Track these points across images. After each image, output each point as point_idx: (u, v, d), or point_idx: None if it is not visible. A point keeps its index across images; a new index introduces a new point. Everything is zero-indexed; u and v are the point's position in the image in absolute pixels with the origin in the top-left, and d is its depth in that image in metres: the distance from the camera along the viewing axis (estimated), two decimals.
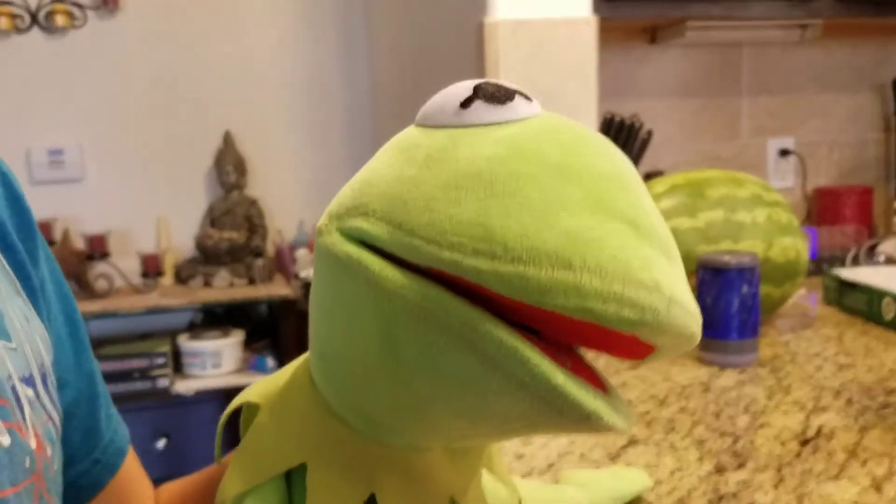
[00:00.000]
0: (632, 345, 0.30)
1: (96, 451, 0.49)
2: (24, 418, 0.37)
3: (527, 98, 0.33)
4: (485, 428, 0.32)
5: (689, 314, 0.29)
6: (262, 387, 0.38)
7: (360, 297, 0.30)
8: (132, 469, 0.52)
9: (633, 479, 0.64)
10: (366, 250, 0.30)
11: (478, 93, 0.32)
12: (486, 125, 0.32)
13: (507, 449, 0.74)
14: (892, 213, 1.90)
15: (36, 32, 2.16)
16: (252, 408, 0.38)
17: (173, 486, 0.55)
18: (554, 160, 0.30)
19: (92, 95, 2.21)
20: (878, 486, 0.64)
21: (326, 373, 0.34)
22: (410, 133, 0.33)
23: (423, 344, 0.29)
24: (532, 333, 0.29)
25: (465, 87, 0.32)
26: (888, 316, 1.10)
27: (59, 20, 2.15)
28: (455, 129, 0.32)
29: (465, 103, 0.32)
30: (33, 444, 0.37)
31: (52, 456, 0.40)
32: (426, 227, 0.28)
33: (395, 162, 0.32)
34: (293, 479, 0.36)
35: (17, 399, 0.37)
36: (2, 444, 0.34)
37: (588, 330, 0.28)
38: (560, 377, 0.28)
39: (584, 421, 0.29)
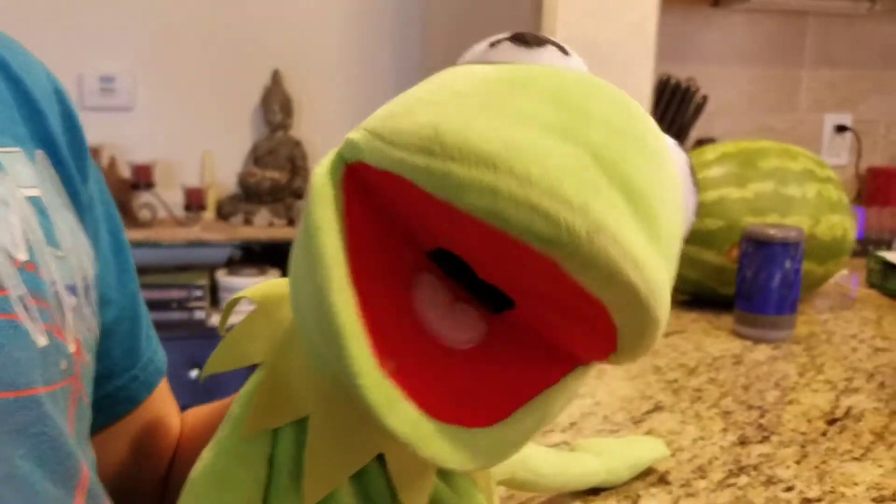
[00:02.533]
0: (591, 317, 0.28)
1: (135, 368, 0.50)
2: (63, 323, 0.38)
3: (563, 51, 0.32)
4: None
5: (626, 257, 0.26)
6: (266, 287, 0.39)
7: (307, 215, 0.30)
8: (165, 391, 0.54)
9: (651, 447, 0.62)
10: (332, 181, 0.29)
11: (511, 37, 0.32)
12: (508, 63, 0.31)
13: None
14: None
15: None
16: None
17: (198, 411, 0.56)
18: (545, 91, 0.28)
19: (146, 24, 2.22)
20: None
21: (297, 319, 0.34)
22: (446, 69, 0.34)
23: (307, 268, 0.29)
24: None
25: (503, 34, 0.32)
26: None
27: None
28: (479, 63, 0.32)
29: (495, 43, 0.32)
30: (72, 348, 0.38)
31: (90, 363, 0.41)
32: (390, 131, 0.28)
33: (415, 86, 0.32)
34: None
35: (60, 303, 0.38)
36: (37, 343, 0.35)
37: (538, 284, 0.27)
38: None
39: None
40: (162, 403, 0.53)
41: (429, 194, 0.27)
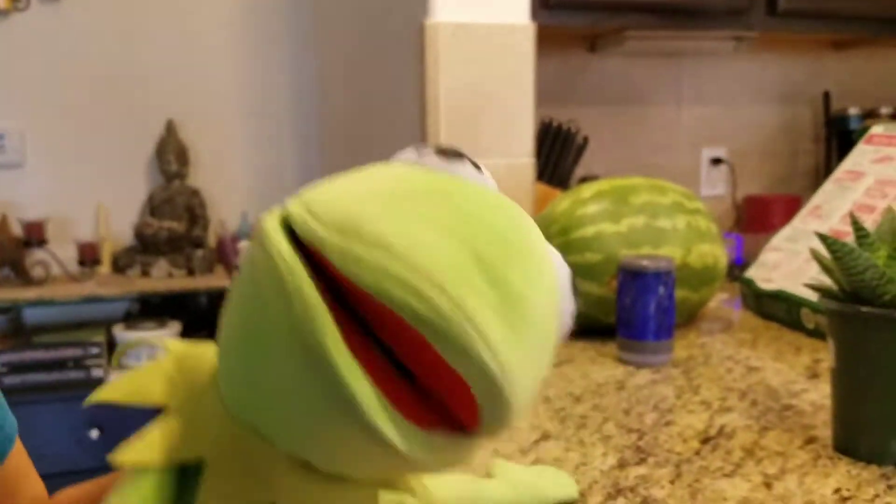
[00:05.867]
0: (458, 390, 0.32)
1: None
2: None
3: (477, 168, 0.37)
4: (316, 434, 0.34)
5: (480, 338, 0.30)
6: (182, 343, 0.41)
7: (258, 265, 0.33)
8: (20, 461, 0.53)
9: (562, 484, 0.65)
10: (285, 236, 0.33)
11: (435, 150, 0.37)
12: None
13: None
14: None
15: None
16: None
17: (74, 492, 0.55)
18: (449, 200, 0.34)
19: (34, 80, 2.18)
20: (768, 484, 0.68)
21: (221, 361, 0.37)
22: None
23: (272, 308, 0.32)
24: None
25: (428, 147, 0.38)
26: (809, 325, 1.14)
27: (2, 3, 2.11)
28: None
29: (422, 154, 0.38)
30: None
31: None
32: (318, 206, 0.33)
33: (349, 175, 0.37)
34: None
35: None
36: None
37: (421, 354, 0.31)
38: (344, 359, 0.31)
39: (351, 413, 0.31)
40: (16, 475, 0.52)
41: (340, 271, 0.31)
